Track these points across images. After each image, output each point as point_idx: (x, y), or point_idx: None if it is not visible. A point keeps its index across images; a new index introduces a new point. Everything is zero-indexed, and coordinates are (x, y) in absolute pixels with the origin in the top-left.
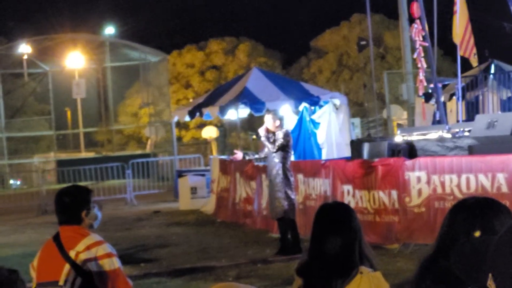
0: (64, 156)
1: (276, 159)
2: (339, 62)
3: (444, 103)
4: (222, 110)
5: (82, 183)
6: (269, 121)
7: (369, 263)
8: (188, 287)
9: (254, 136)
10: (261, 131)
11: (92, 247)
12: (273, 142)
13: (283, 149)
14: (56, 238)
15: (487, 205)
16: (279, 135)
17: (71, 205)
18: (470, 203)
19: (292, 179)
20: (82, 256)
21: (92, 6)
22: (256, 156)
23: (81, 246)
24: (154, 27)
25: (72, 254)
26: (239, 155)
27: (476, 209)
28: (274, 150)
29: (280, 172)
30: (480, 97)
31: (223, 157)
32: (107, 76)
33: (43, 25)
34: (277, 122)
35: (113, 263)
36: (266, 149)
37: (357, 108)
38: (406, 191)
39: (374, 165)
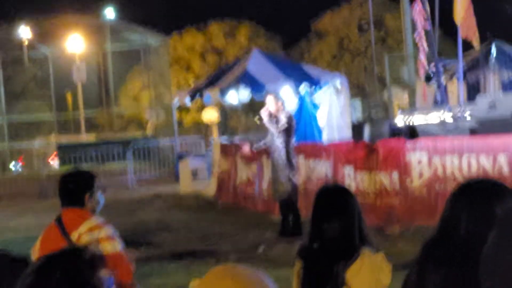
0: (65, 139)
1: (279, 141)
2: (340, 45)
3: (445, 85)
4: (223, 93)
5: (83, 167)
6: (271, 102)
7: (370, 245)
8: (189, 271)
9: (257, 118)
10: (263, 113)
11: (94, 229)
12: (276, 124)
13: (286, 131)
14: (59, 220)
15: (491, 188)
16: (282, 117)
17: (75, 188)
18: (473, 186)
19: (294, 161)
20: (84, 238)
21: None
22: (262, 143)
23: (83, 228)
24: (155, 9)
25: (74, 236)
26: (245, 148)
27: (479, 192)
28: (277, 133)
29: (283, 154)
30: (481, 78)
31: (223, 139)
32: (108, 60)
33: (43, 6)
34: (279, 104)
35: (115, 246)
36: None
37: (357, 90)
38: (407, 172)
39: (375, 146)
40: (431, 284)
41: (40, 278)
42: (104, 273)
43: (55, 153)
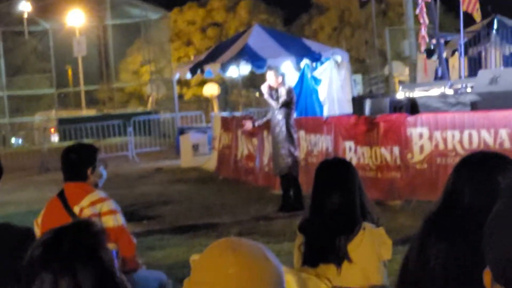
0: (65, 114)
1: (280, 116)
2: (341, 18)
3: (447, 59)
4: (224, 67)
5: (84, 141)
6: (271, 77)
7: (371, 219)
8: (190, 244)
9: (258, 93)
10: (264, 88)
11: (96, 203)
12: (276, 99)
13: (287, 105)
14: (61, 194)
15: (493, 160)
16: (282, 91)
17: (78, 162)
18: (476, 158)
19: (295, 135)
20: (87, 212)
21: None
22: (265, 119)
23: (85, 202)
24: None
25: (76, 209)
26: (248, 125)
27: (482, 165)
28: (278, 107)
29: (284, 129)
30: (483, 53)
31: (224, 114)
32: (108, 34)
33: None
34: (280, 79)
35: (117, 220)
36: (269, 110)
37: (358, 65)
38: (408, 147)
39: (376, 121)
40: (433, 258)
41: (49, 250)
42: (110, 246)
43: (52, 128)
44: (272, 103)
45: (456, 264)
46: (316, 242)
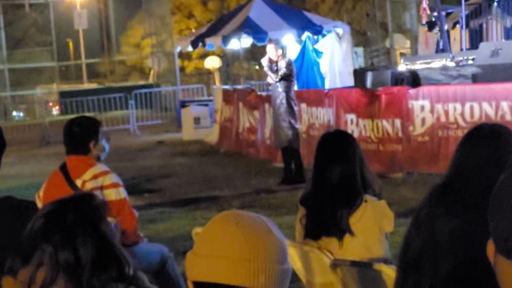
0: (66, 87)
1: (280, 88)
2: None
3: (448, 32)
4: (225, 40)
5: (86, 114)
6: (271, 50)
7: (373, 192)
8: (192, 217)
9: (258, 66)
10: (264, 61)
11: (98, 177)
12: (276, 72)
13: (286, 78)
14: (63, 167)
15: (502, 131)
16: (282, 64)
17: (80, 135)
18: (484, 130)
19: (296, 108)
20: (89, 185)
21: None
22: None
23: (87, 175)
24: None
25: (78, 182)
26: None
27: (490, 136)
28: (277, 80)
29: (284, 101)
30: (484, 25)
31: (226, 86)
32: (109, 6)
33: None
34: (280, 51)
35: (119, 193)
36: (269, 79)
37: (360, 38)
38: (410, 120)
39: (378, 94)
40: (440, 231)
41: (50, 222)
42: (109, 220)
43: (51, 103)
44: (272, 75)
45: (469, 240)
46: (318, 215)
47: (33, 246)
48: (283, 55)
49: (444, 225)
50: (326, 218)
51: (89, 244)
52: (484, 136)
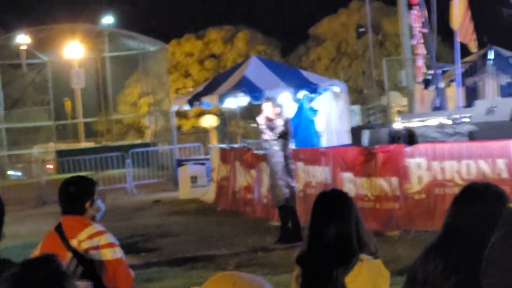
0: (63, 146)
1: (277, 147)
2: (338, 49)
3: (444, 89)
4: (221, 99)
5: (82, 173)
6: (268, 108)
7: (369, 250)
8: (188, 276)
9: (255, 124)
10: (260, 119)
11: (94, 237)
12: (273, 130)
13: (284, 136)
14: (58, 227)
15: (494, 192)
16: (279, 122)
17: (76, 195)
18: (477, 189)
19: (292, 166)
20: (84, 245)
21: None
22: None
23: (83, 235)
24: (153, 17)
25: (74, 243)
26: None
27: (483, 196)
28: (275, 138)
29: (281, 160)
30: (479, 83)
31: (222, 145)
32: (106, 66)
33: (42, 15)
34: (277, 110)
35: (115, 253)
36: (264, 135)
37: (356, 95)
38: (407, 177)
39: (374, 152)
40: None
41: (16, 283)
42: (79, 283)
43: (48, 164)
44: (269, 133)
45: None
46: (313, 274)
47: None
48: (281, 113)
49: (441, 286)
50: (321, 277)
51: None
52: (475, 196)
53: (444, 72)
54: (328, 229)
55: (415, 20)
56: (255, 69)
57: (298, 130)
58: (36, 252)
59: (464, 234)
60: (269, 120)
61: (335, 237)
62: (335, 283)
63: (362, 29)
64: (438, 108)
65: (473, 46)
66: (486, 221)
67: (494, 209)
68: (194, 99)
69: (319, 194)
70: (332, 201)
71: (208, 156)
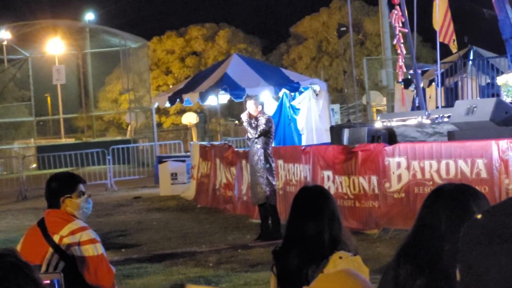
0: (44, 142)
1: (258, 144)
2: (319, 48)
3: (424, 89)
4: (202, 96)
5: (62, 169)
6: (251, 106)
7: (347, 248)
8: (168, 272)
9: (237, 122)
10: (244, 116)
11: (76, 232)
12: (255, 128)
13: (265, 135)
14: (41, 222)
15: (466, 191)
16: (262, 120)
17: (57, 191)
18: (448, 189)
19: (273, 165)
20: (66, 241)
21: None
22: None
23: (65, 231)
24: (135, 13)
25: (56, 238)
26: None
27: (455, 195)
28: (256, 136)
29: (262, 158)
30: (459, 83)
31: (203, 143)
32: (87, 62)
33: (23, 11)
34: (259, 107)
35: (96, 249)
36: (248, 134)
37: (336, 94)
38: (386, 176)
39: (354, 150)
40: None
41: None
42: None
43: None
44: (251, 131)
45: None
46: (287, 270)
47: None
48: (263, 111)
49: (412, 284)
50: (294, 274)
51: None
52: (446, 196)
53: (424, 72)
54: (305, 224)
55: (396, 19)
56: (236, 67)
57: (279, 128)
58: (18, 247)
59: (434, 235)
60: (251, 117)
61: (311, 232)
62: (306, 280)
63: (343, 28)
64: (418, 108)
65: (453, 47)
66: (456, 221)
67: (465, 209)
68: (175, 96)
69: (299, 190)
70: (310, 197)
71: (188, 153)
